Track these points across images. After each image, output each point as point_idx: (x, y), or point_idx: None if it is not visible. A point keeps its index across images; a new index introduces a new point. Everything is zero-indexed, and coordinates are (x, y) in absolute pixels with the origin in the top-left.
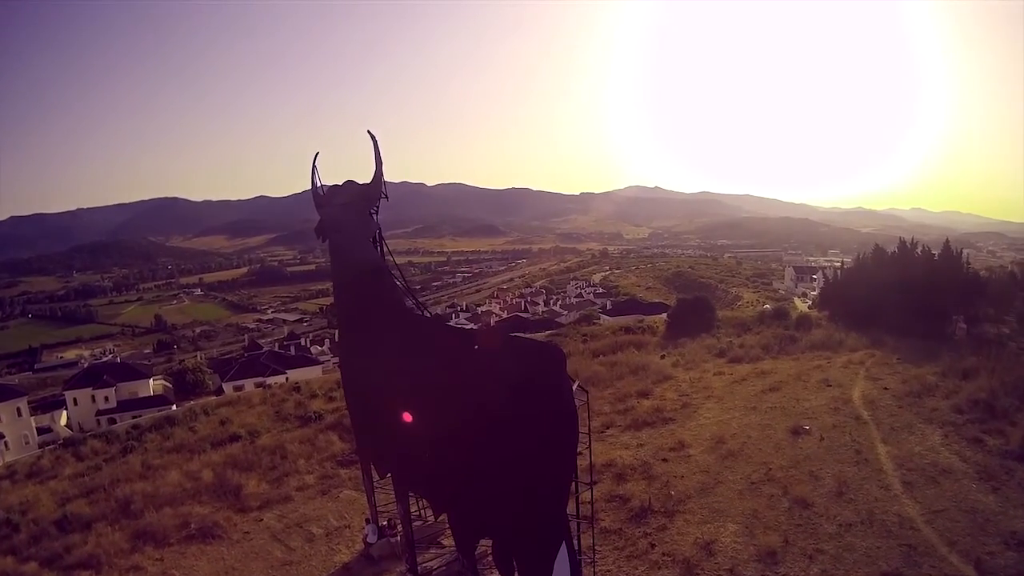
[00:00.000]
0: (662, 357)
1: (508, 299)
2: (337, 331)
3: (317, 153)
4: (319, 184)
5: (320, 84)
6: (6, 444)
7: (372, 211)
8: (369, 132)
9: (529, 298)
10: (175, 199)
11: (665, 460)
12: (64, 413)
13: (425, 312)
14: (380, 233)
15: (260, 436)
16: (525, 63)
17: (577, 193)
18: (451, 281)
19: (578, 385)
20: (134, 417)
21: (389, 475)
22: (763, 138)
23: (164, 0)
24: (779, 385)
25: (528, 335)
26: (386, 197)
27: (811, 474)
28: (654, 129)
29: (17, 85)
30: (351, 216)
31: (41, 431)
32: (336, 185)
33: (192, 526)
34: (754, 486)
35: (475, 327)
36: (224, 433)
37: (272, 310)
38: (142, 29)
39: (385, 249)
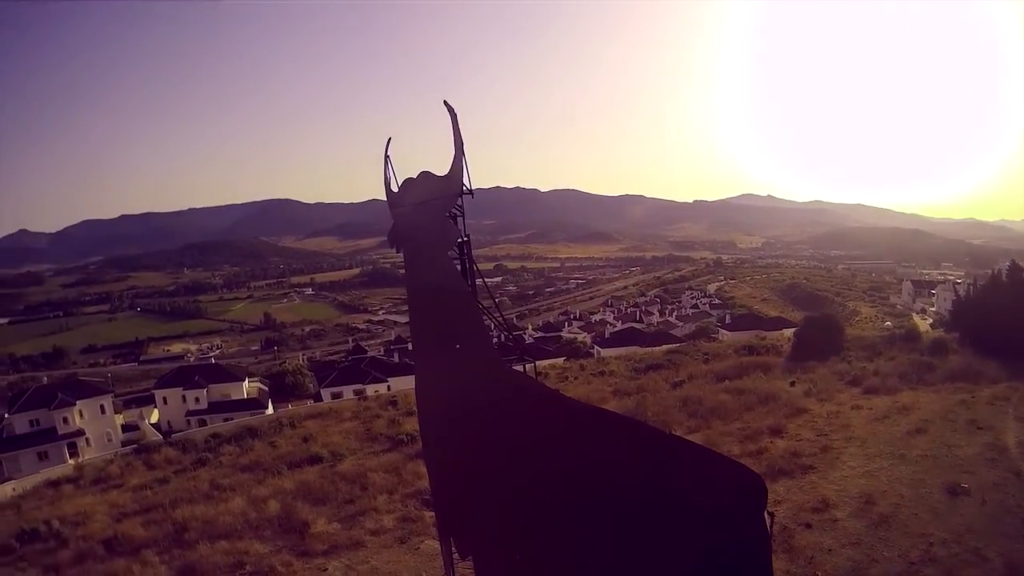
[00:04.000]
0: (792, 384)
1: (622, 308)
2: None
3: (390, 139)
4: (393, 178)
5: (430, 86)
6: (87, 441)
7: (453, 212)
8: (446, 103)
9: (643, 308)
10: (287, 200)
11: (808, 526)
12: (154, 411)
13: (513, 340)
14: (465, 241)
15: (343, 460)
16: (635, 66)
17: (690, 200)
18: (564, 288)
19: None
20: (225, 420)
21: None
22: (875, 141)
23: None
24: (925, 426)
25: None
26: (471, 194)
27: (977, 553)
28: (766, 136)
29: (131, 86)
30: (426, 219)
31: (128, 428)
32: (410, 179)
33: (246, 568)
34: (914, 568)
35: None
36: (304, 452)
37: (383, 311)
38: (261, 29)
39: (472, 265)
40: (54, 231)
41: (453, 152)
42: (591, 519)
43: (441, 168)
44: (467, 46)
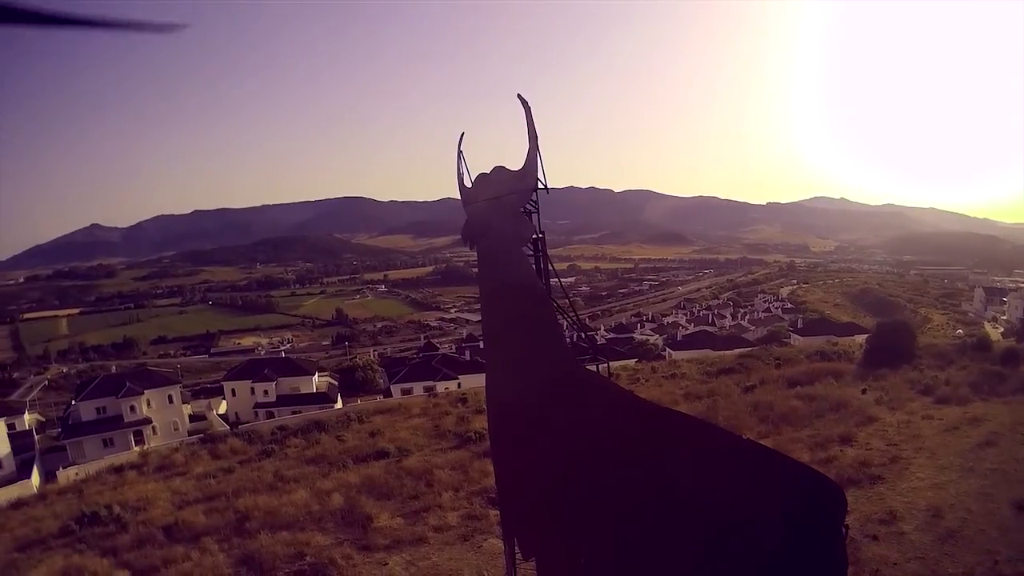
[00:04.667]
0: (863, 391)
1: (695, 310)
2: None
3: (463, 134)
4: (466, 173)
5: (504, 83)
6: (154, 429)
7: (527, 208)
8: (520, 97)
9: (716, 311)
10: (361, 198)
11: (875, 538)
12: (222, 403)
13: (589, 344)
14: (540, 238)
15: (409, 455)
16: (709, 65)
17: (764, 203)
18: (637, 289)
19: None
20: (293, 413)
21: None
22: (948, 139)
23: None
24: (995, 438)
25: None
26: (545, 189)
27: None
28: (840, 137)
29: (207, 84)
30: (499, 215)
31: (196, 418)
32: (483, 174)
33: (305, 559)
34: None
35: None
36: (371, 447)
37: (455, 309)
38: (340, 28)
39: (546, 262)
40: (126, 226)
41: (527, 146)
42: (661, 524)
43: (515, 163)
44: (542, 44)
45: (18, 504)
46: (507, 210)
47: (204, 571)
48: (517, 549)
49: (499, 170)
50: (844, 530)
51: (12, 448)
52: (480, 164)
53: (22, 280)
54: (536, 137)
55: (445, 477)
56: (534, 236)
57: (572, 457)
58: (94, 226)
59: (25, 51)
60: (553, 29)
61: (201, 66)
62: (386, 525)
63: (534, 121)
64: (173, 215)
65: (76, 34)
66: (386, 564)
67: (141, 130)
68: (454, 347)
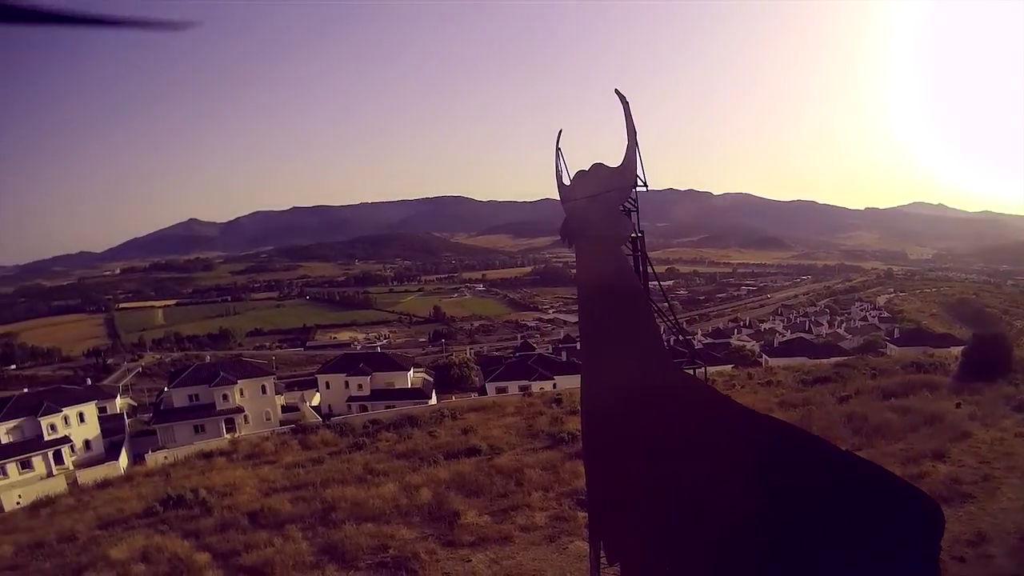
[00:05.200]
0: (957, 406)
1: (791, 317)
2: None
3: (560, 131)
4: (564, 171)
5: (601, 82)
6: (245, 418)
7: (626, 206)
8: (617, 92)
9: (813, 318)
10: (459, 198)
11: (962, 559)
12: (316, 395)
13: (687, 345)
14: (639, 237)
15: (501, 454)
16: (805, 65)
17: (862, 208)
18: (735, 294)
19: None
20: (386, 407)
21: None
22: None
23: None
24: None
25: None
26: (645, 186)
27: None
28: (939, 141)
29: (304, 85)
30: (598, 213)
31: (288, 409)
32: (582, 171)
33: (388, 552)
34: None
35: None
36: (463, 444)
37: (553, 310)
38: (436, 26)
39: (645, 262)
40: (224, 221)
41: (625, 142)
42: (754, 534)
43: (614, 161)
44: (638, 43)
45: (104, 484)
46: (605, 208)
47: (285, 558)
48: (602, 553)
49: (598, 167)
50: (939, 549)
51: (102, 430)
52: (579, 162)
53: (118, 272)
54: (635, 133)
55: (535, 477)
56: (633, 235)
57: (665, 462)
58: (192, 221)
59: (125, 47)
60: (648, 29)
61: (300, 65)
62: (473, 522)
63: (632, 117)
64: (271, 211)
65: (141, 33)
66: (469, 561)
67: (239, 127)
68: (551, 347)
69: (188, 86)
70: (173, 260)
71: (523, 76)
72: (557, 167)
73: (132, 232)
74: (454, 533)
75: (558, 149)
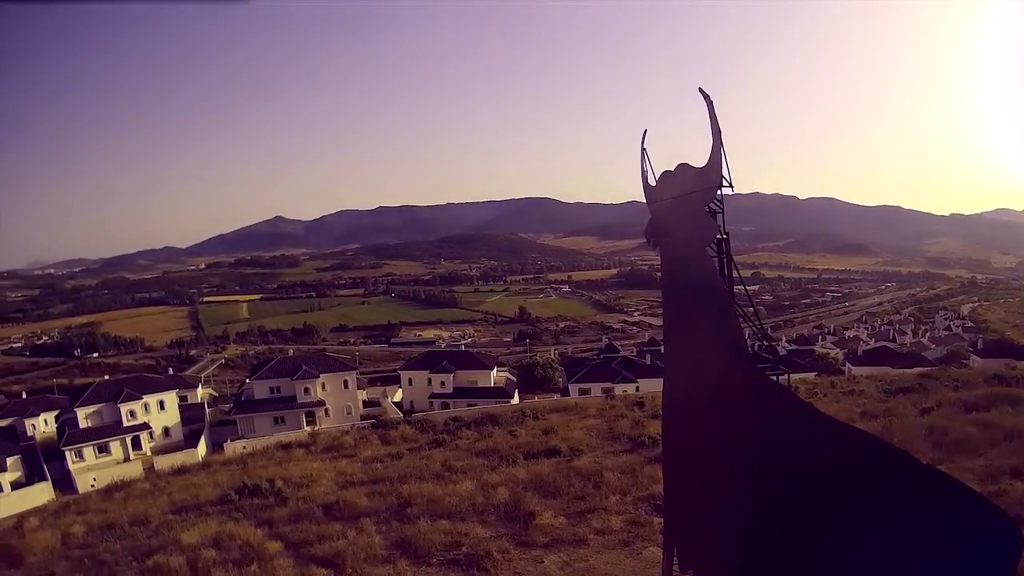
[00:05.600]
0: None
1: (876, 325)
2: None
3: (645, 131)
4: (650, 171)
5: (686, 81)
6: (326, 412)
7: (712, 207)
8: (701, 90)
9: (897, 326)
10: (545, 199)
11: None
12: (398, 391)
13: (775, 357)
14: (724, 239)
15: (580, 456)
16: (890, 68)
17: (947, 214)
18: (820, 300)
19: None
20: (468, 405)
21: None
22: None
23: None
24: None
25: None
26: (730, 186)
27: None
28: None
29: (392, 86)
30: (683, 214)
31: (370, 404)
32: (667, 172)
33: (461, 549)
34: None
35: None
36: (543, 444)
37: (638, 312)
38: (532, 28)
39: (730, 264)
40: (309, 219)
41: (710, 142)
42: (833, 547)
43: (700, 161)
44: (724, 43)
45: (180, 471)
46: (691, 209)
47: (357, 550)
48: (675, 559)
49: (683, 167)
50: (1016, 571)
51: (182, 419)
52: (664, 163)
53: (203, 267)
54: (719, 132)
55: (614, 480)
56: (718, 236)
57: (745, 469)
58: (277, 218)
59: (222, 48)
60: (731, 30)
61: (387, 68)
62: (548, 523)
63: (716, 116)
64: (357, 210)
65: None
66: (542, 562)
67: (326, 128)
68: (635, 350)
69: (279, 86)
70: (258, 256)
71: (612, 75)
72: (643, 167)
73: (217, 229)
74: (528, 534)
75: (643, 149)
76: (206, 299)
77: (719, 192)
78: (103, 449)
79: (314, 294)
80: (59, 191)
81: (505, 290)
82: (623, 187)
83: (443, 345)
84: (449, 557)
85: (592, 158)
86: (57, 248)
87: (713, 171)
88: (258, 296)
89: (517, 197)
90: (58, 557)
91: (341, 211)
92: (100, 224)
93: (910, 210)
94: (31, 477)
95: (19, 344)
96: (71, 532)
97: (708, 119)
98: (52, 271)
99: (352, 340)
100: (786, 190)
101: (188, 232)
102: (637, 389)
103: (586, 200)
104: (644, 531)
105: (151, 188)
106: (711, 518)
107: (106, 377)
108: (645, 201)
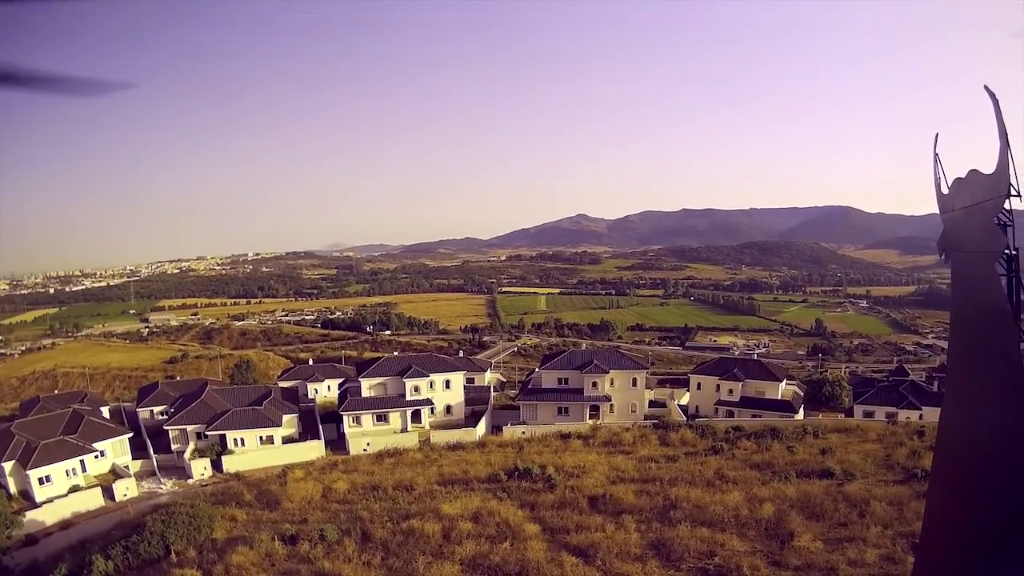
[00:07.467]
0: None
1: None
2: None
3: (937, 135)
4: (943, 178)
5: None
6: (611, 407)
7: (1001, 219)
8: (987, 89)
9: None
10: (848, 208)
11: None
12: (685, 394)
13: None
14: (1014, 255)
15: (852, 480)
16: None
17: None
18: None
19: None
20: (752, 416)
21: None
22: None
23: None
24: None
25: None
26: (1018, 195)
27: None
28: None
29: (642, 91)
30: (972, 226)
31: (655, 404)
32: (959, 179)
33: (714, 559)
34: None
35: None
36: (818, 464)
37: (932, 335)
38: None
39: (1018, 283)
40: (613, 218)
41: (997, 145)
42: None
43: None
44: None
45: (455, 447)
46: (980, 220)
47: (612, 545)
48: None
49: (973, 174)
50: None
51: (467, 399)
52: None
53: (504, 258)
54: (1006, 135)
55: (879, 510)
56: (1005, 252)
57: (1017, 511)
58: (581, 216)
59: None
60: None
61: (707, 70)
62: (805, 546)
63: (1003, 117)
64: (661, 211)
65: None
66: None
67: (631, 131)
68: (924, 375)
69: (592, 83)
70: (560, 251)
71: (915, 78)
72: (935, 175)
73: (520, 224)
74: (783, 553)
75: (936, 155)
76: (505, 289)
77: (1007, 202)
78: (381, 418)
79: (614, 292)
80: (368, 185)
81: (804, 301)
82: (926, 197)
83: (737, 352)
84: (700, 565)
85: (896, 166)
86: (359, 234)
87: (1001, 178)
88: (557, 290)
89: (821, 205)
90: (315, 507)
91: (645, 211)
92: (401, 215)
93: None
94: (304, 435)
95: (311, 316)
96: (334, 487)
97: (995, 120)
98: (350, 254)
99: (647, 340)
100: None
101: (490, 226)
102: (920, 417)
103: (888, 210)
104: (897, 569)
105: (455, 186)
106: (974, 568)
107: (395, 353)
108: (938, 211)
